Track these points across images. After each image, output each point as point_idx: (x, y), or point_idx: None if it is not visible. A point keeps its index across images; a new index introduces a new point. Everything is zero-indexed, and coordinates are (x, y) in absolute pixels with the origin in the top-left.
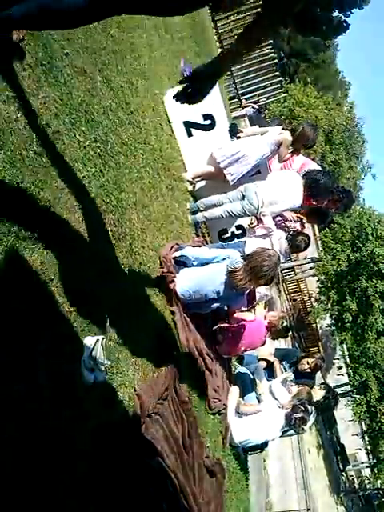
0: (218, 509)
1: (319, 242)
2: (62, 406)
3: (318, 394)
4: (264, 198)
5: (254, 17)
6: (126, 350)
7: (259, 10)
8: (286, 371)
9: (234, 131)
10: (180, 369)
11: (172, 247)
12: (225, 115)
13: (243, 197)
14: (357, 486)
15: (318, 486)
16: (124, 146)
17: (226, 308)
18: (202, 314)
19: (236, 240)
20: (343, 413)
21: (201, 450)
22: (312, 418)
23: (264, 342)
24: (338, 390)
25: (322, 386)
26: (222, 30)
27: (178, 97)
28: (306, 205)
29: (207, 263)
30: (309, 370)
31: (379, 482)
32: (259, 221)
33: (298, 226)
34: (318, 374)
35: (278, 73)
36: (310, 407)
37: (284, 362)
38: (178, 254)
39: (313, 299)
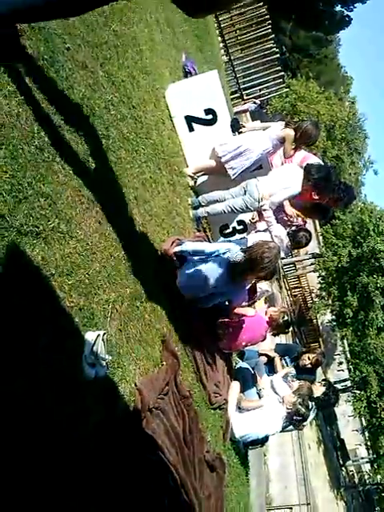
0: (218, 503)
1: (320, 238)
2: (63, 401)
3: (318, 389)
4: (265, 192)
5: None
6: (127, 345)
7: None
8: (287, 366)
9: (235, 126)
10: (181, 364)
11: (173, 242)
12: (226, 110)
13: (245, 192)
14: (357, 481)
15: (318, 481)
16: (125, 140)
17: (226, 303)
18: (204, 309)
19: (238, 235)
20: (343, 408)
21: (201, 445)
22: (312, 414)
23: (264, 338)
24: (339, 386)
25: (323, 382)
26: (224, 25)
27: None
28: (308, 199)
29: (207, 257)
30: (310, 366)
31: (379, 477)
32: (260, 216)
33: (299, 221)
34: (319, 370)
35: (279, 68)
36: (310, 403)
37: (286, 358)
38: (178, 248)
39: (313, 295)
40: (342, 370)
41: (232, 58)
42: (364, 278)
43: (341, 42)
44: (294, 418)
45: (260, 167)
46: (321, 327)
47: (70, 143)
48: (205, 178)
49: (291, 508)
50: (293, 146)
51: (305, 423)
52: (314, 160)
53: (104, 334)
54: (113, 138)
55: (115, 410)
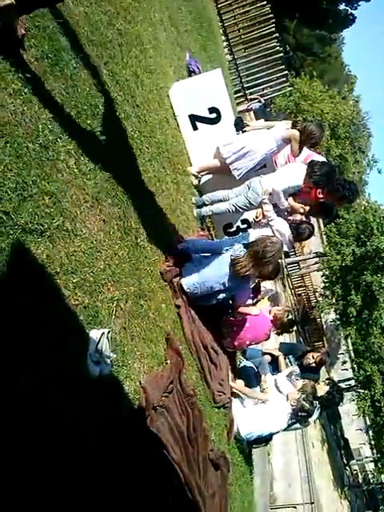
0: (222, 501)
1: (324, 237)
2: (68, 399)
3: (322, 389)
4: (268, 187)
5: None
6: (131, 343)
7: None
8: (291, 365)
9: (239, 125)
10: (185, 362)
11: (177, 241)
12: (230, 109)
13: (249, 189)
14: (361, 480)
15: (322, 480)
16: (129, 139)
17: (230, 302)
18: (208, 308)
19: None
20: (347, 407)
21: (205, 443)
22: (317, 413)
23: (268, 337)
24: (343, 385)
25: (327, 381)
26: (228, 23)
27: None
28: (312, 198)
29: (211, 254)
30: (314, 365)
31: (383, 476)
32: (264, 215)
33: (301, 215)
34: (323, 369)
35: (283, 66)
36: (314, 401)
37: (290, 356)
38: (180, 246)
39: (317, 294)
40: (346, 369)
41: (236, 56)
42: (368, 277)
43: (345, 40)
44: (299, 414)
45: (264, 166)
46: (325, 326)
47: (74, 142)
48: (209, 176)
49: (295, 507)
50: (298, 137)
51: (310, 419)
52: (318, 158)
53: (108, 332)
54: (117, 136)
55: (119, 408)
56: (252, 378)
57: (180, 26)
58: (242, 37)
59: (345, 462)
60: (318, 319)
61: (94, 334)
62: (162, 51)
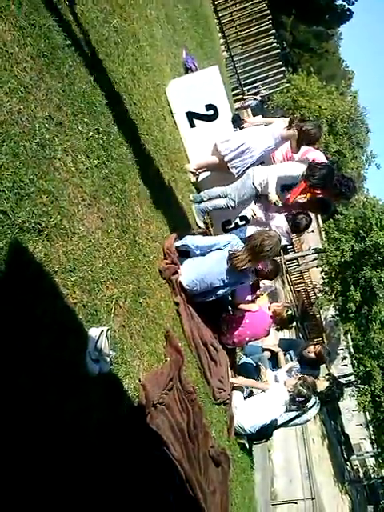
0: (223, 498)
1: (323, 233)
2: (67, 397)
3: (322, 384)
4: (261, 178)
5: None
6: (131, 341)
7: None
8: (292, 361)
9: (237, 122)
10: (184, 359)
11: (175, 238)
12: (228, 105)
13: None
14: (361, 475)
15: (323, 476)
16: (126, 137)
17: (229, 298)
18: (207, 304)
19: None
20: (347, 403)
21: (206, 440)
22: (316, 408)
23: (268, 333)
24: (343, 380)
25: (327, 376)
26: (224, 21)
27: None
28: (309, 193)
29: (208, 250)
30: (314, 357)
31: (383, 471)
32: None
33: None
34: (323, 366)
35: (280, 63)
36: (314, 397)
37: (291, 352)
38: (179, 243)
39: (317, 290)
40: (346, 365)
41: (232, 53)
42: (367, 273)
43: (342, 36)
44: (297, 399)
45: (262, 163)
46: (324, 322)
47: (71, 140)
48: (206, 173)
49: (296, 502)
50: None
51: (310, 414)
52: (316, 154)
53: (107, 330)
54: (114, 134)
55: (119, 405)
56: (252, 375)
57: (176, 23)
58: (239, 34)
59: (345, 457)
60: (318, 315)
61: (93, 332)
62: (159, 49)
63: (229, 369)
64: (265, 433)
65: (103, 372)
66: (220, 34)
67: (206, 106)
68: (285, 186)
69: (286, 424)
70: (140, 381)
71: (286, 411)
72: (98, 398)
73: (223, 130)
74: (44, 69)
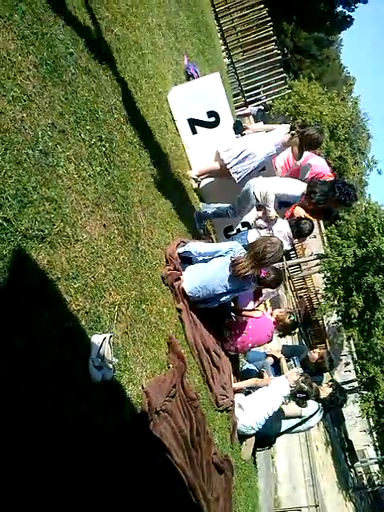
0: (226, 505)
1: (325, 239)
2: (70, 404)
3: (325, 391)
4: (262, 188)
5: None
6: (134, 348)
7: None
8: (295, 367)
9: (238, 128)
10: (187, 366)
11: (178, 245)
12: (229, 112)
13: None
14: (365, 482)
15: (327, 483)
16: (129, 144)
17: (232, 304)
18: (209, 311)
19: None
20: (351, 409)
21: (209, 447)
22: (320, 415)
23: (271, 339)
24: (346, 387)
25: (330, 383)
26: (225, 27)
27: None
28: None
29: (211, 257)
30: (318, 357)
31: None
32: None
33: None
34: (326, 373)
35: (282, 69)
36: (317, 404)
37: (294, 358)
38: (181, 250)
39: (319, 296)
40: (349, 371)
41: (234, 60)
42: (370, 278)
43: (343, 42)
44: (298, 395)
45: (263, 169)
46: (327, 328)
47: (73, 147)
48: (209, 180)
49: (300, 510)
50: (299, 150)
51: (312, 421)
52: (317, 160)
53: (110, 336)
54: (116, 141)
55: (122, 412)
56: None
57: (178, 30)
58: (240, 40)
59: (349, 463)
60: (320, 321)
61: (96, 339)
62: (160, 56)
63: (232, 375)
64: (268, 439)
65: (106, 379)
66: (221, 41)
67: (208, 112)
68: (283, 202)
69: (289, 431)
70: (143, 387)
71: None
72: (101, 405)
73: (225, 137)
74: (47, 77)
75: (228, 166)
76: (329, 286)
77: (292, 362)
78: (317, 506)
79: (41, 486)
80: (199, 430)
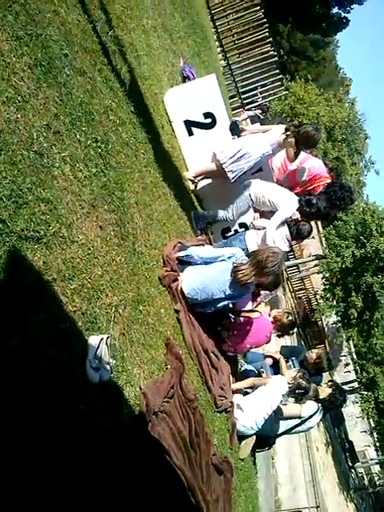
0: (226, 506)
1: (323, 239)
2: (67, 405)
3: (325, 391)
4: (257, 191)
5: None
6: (131, 349)
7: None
8: (294, 367)
9: (235, 130)
10: (185, 367)
11: (175, 246)
12: (225, 113)
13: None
14: (366, 482)
15: (327, 484)
16: (125, 145)
17: (230, 305)
18: (207, 313)
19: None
20: (351, 409)
21: (208, 448)
22: (319, 415)
23: (269, 340)
24: (346, 387)
25: (330, 383)
26: (221, 29)
27: None
28: None
29: (212, 262)
30: (317, 360)
31: None
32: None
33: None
34: (326, 373)
35: (278, 71)
36: (316, 404)
37: (293, 358)
38: (182, 253)
39: (318, 296)
40: (349, 372)
41: (230, 62)
42: (368, 278)
43: (339, 43)
44: (296, 391)
45: (260, 169)
46: (326, 329)
47: (69, 149)
48: (205, 181)
49: (301, 511)
50: (294, 150)
51: (312, 422)
52: (314, 162)
53: (107, 338)
54: (112, 143)
55: (120, 413)
56: None
57: (173, 32)
58: (236, 42)
59: (350, 464)
60: (319, 322)
61: (93, 340)
62: (156, 58)
63: (230, 376)
64: (268, 440)
65: (104, 380)
66: (217, 43)
67: (204, 114)
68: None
69: (289, 431)
70: (141, 389)
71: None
72: (99, 407)
73: (221, 138)
74: (41, 78)
75: (223, 166)
76: (327, 286)
77: (291, 362)
78: (318, 507)
79: (38, 487)
80: (198, 431)
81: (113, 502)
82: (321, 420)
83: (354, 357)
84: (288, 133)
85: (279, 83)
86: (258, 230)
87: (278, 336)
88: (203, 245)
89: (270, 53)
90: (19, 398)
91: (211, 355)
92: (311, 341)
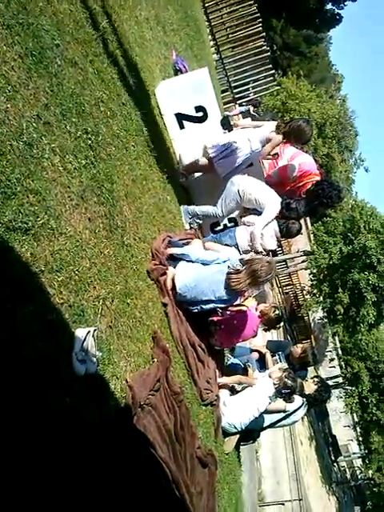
0: (209, 499)
1: (311, 236)
2: (53, 398)
3: (310, 386)
4: (244, 187)
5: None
6: (118, 342)
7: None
8: (280, 362)
9: (226, 124)
10: (172, 360)
11: (164, 239)
12: (217, 107)
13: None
14: (349, 476)
15: (310, 477)
16: (115, 137)
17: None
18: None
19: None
20: (335, 404)
21: (193, 441)
22: (304, 410)
23: (256, 334)
24: (330, 382)
25: (315, 378)
26: (215, 23)
27: None
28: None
29: (208, 264)
30: (302, 354)
31: (370, 472)
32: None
33: None
34: (311, 368)
35: (270, 66)
36: (301, 399)
37: (279, 353)
38: (178, 251)
39: (305, 292)
40: (334, 367)
41: (222, 56)
42: (355, 275)
43: (331, 40)
44: (283, 391)
45: (251, 165)
46: (312, 324)
47: (59, 140)
48: (196, 175)
49: (283, 504)
50: (279, 142)
51: (297, 415)
52: (304, 158)
53: (94, 330)
54: (103, 134)
55: (106, 406)
56: None
57: (166, 24)
58: (229, 36)
59: (333, 458)
60: (306, 317)
61: (80, 332)
62: (148, 50)
63: (217, 370)
64: (252, 433)
65: (90, 373)
66: (210, 37)
67: (196, 107)
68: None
69: (273, 425)
70: (127, 381)
71: (271, 402)
72: (84, 399)
73: (212, 132)
74: (32, 68)
75: (213, 160)
76: (315, 282)
77: (277, 357)
78: (300, 500)
79: (23, 479)
80: (183, 424)
81: (98, 494)
82: (305, 414)
83: (340, 352)
84: (280, 129)
85: (271, 78)
86: (248, 226)
87: (265, 330)
88: (192, 239)
89: (263, 48)
90: (5, 389)
91: (198, 349)
92: (297, 336)
